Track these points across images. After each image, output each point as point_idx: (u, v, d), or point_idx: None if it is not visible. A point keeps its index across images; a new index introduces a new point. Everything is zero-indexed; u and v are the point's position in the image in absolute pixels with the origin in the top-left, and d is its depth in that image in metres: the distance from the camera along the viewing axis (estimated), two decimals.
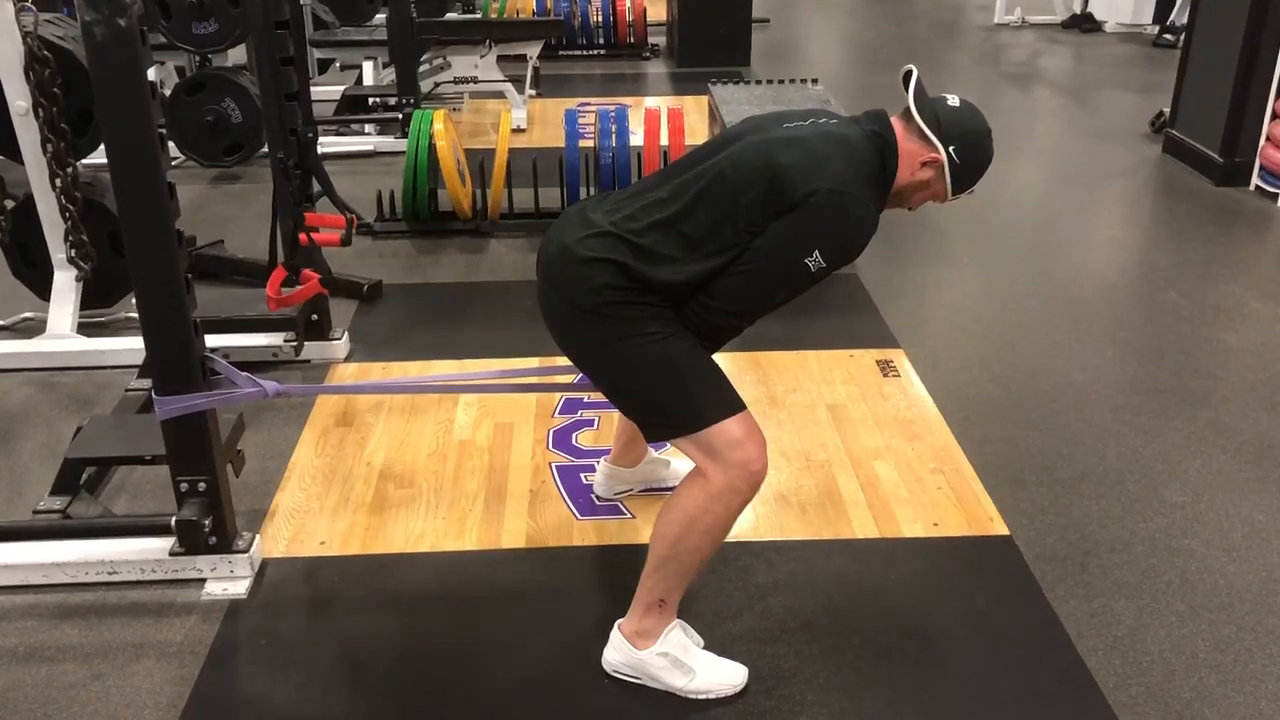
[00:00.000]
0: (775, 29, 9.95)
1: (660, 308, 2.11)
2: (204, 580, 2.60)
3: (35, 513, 2.71)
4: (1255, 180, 5.38)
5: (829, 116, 2.23)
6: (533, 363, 3.65)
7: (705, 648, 2.34)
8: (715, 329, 2.19)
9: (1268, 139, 5.28)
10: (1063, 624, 2.46)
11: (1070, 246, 4.83)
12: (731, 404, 2.12)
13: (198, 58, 5.57)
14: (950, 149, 2.14)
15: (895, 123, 2.19)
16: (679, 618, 2.31)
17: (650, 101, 7.22)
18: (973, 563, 2.69)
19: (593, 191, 4.93)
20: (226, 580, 2.60)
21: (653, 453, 2.91)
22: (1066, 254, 4.73)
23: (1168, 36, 8.90)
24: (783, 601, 2.54)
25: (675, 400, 2.11)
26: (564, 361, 2.35)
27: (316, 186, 3.66)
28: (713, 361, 2.18)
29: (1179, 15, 8.71)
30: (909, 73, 2.19)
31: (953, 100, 2.20)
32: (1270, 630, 2.46)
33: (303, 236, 3.47)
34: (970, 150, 2.17)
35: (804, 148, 2.10)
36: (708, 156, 2.19)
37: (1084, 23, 9.73)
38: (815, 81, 5.06)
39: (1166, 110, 6.17)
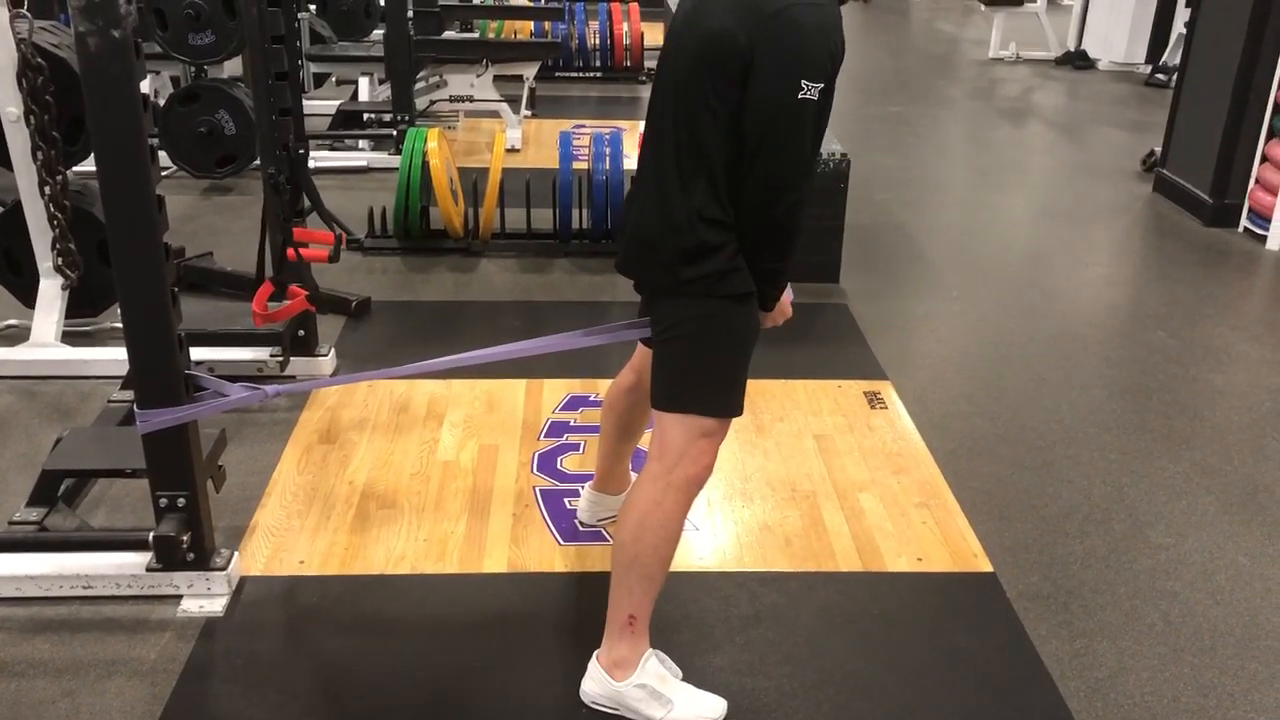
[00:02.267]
0: None
1: (733, 273, 2.05)
2: (180, 597, 2.57)
3: (11, 523, 2.67)
4: (1244, 222, 5.41)
5: None
6: (521, 384, 3.63)
7: (684, 679, 2.31)
8: (782, 229, 2.06)
9: (1257, 181, 5.31)
10: (1045, 664, 2.45)
11: (1060, 283, 4.84)
12: (738, 409, 2.20)
13: (193, 68, 5.57)
14: None
15: None
16: (658, 648, 2.29)
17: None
18: (956, 599, 2.68)
19: (586, 214, 4.93)
20: (203, 597, 2.56)
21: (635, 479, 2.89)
22: (1056, 290, 4.74)
23: (1160, 76, 8.97)
24: (764, 634, 2.52)
25: (716, 381, 2.15)
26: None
27: (308, 202, 3.65)
28: (748, 362, 2.20)
29: (1171, 55, 8.79)
30: None
31: None
32: (1253, 675, 2.44)
33: (290, 252, 3.45)
34: None
35: (720, 2, 1.96)
36: (665, 59, 2.10)
37: (1077, 60, 9.81)
38: None
39: (1158, 149, 6.21)
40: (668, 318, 2.16)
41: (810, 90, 1.92)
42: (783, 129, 1.96)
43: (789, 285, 2.28)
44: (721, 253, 2.04)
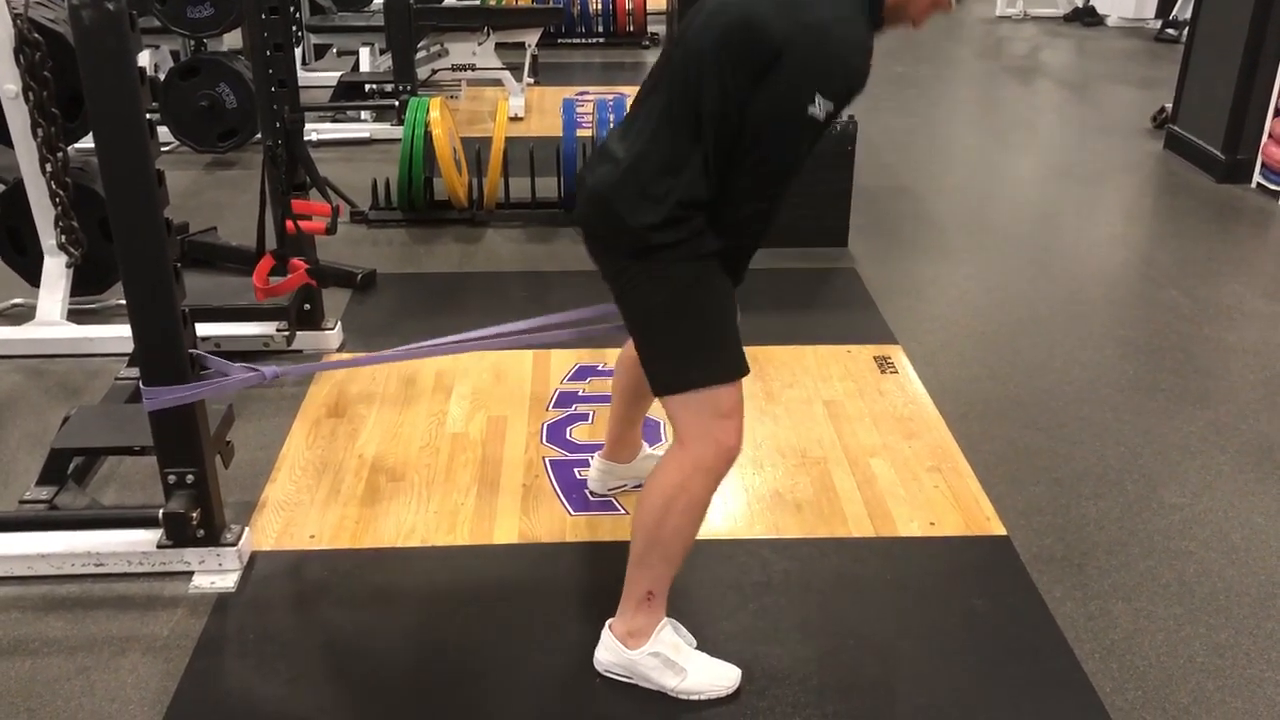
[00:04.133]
0: None
1: (697, 237, 2.02)
2: (192, 573, 2.57)
3: (21, 503, 2.67)
4: (1257, 177, 5.35)
5: None
6: (529, 354, 3.61)
7: (698, 647, 2.31)
8: (745, 228, 2.07)
9: (1270, 136, 5.24)
10: (1059, 626, 2.44)
11: (1070, 243, 4.80)
12: (740, 368, 2.11)
13: (193, 42, 5.53)
14: None
15: None
16: (671, 617, 2.28)
17: None
18: (969, 563, 2.67)
19: None
20: (214, 573, 2.56)
21: (647, 448, 2.88)
22: (1067, 250, 4.70)
23: (1170, 31, 8.86)
24: (777, 600, 2.51)
25: (704, 344, 2.09)
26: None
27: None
28: (735, 320, 2.13)
29: (1182, 10, 8.67)
30: None
31: None
32: (1269, 634, 2.43)
33: (289, 225, 3.43)
34: None
35: None
36: (684, 31, 2.06)
37: (1086, 16, 9.69)
38: None
39: (1168, 106, 6.13)
40: (631, 282, 2.09)
41: (820, 108, 1.90)
42: (780, 136, 1.95)
43: None
44: (689, 223, 2.01)
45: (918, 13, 2.07)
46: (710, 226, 2.04)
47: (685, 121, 1.98)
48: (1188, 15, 6.59)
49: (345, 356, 3.65)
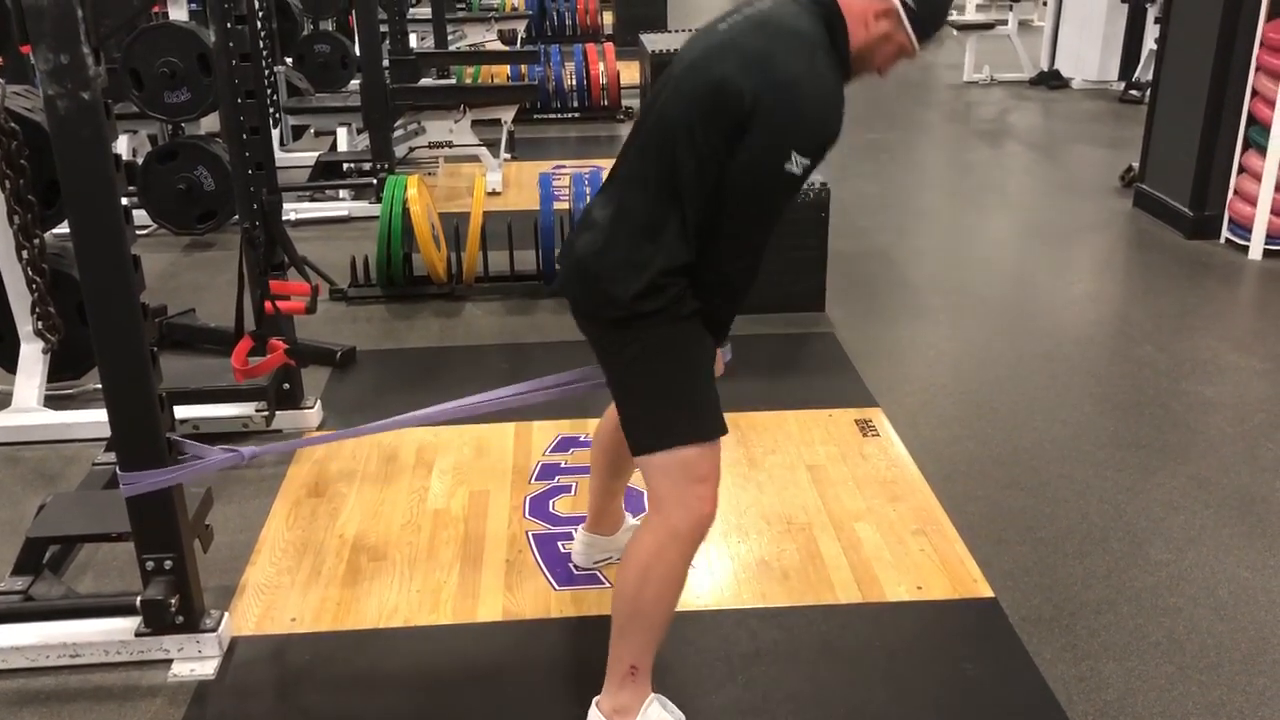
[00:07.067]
0: None
1: (678, 303, 2.04)
2: (171, 661, 2.52)
3: None
4: (1225, 233, 5.42)
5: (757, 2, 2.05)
6: (510, 427, 3.60)
7: None
8: (733, 287, 2.09)
9: (1236, 192, 5.33)
10: (1051, 688, 2.42)
11: (1045, 302, 4.84)
12: (717, 428, 2.11)
13: (170, 126, 5.57)
14: None
15: None
16: (659, 691, 2.25)
17: None
18: (958, 627, 2.65)
19: None
20: (194, 660, 2.52)
21: (630, 519, 2.87)
22: (1041, 309, 4.74)
23: (1134, 92, 9.04)
24: (766, 671, 2.48)
25: (682, 404, 2.09)
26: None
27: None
28: (712, 381, 2.15)
29: (1144, 71, 8.86)
30: None
31: None
32: (1261, 691, 2.41)
33: (268, 305, 3.43)
34: None
35: (740, 51, 1.95)
36: (657, 95, 2.09)
37: (1051, 79, 9.88)
38: None
39: (1136, 165, 6.24)
40: (614, 347, 2.12)
41: (797, 164, 1.92)
42: (760, 194, 1.98)
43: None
44: (671, 290, 2.03)
45: (883, 61, 2.06)
46: (695, 288, 2.06)
47: (662, 187, 2.00)
48: (1150, 76, 6.73)
49: (321, 445, 3.62)
